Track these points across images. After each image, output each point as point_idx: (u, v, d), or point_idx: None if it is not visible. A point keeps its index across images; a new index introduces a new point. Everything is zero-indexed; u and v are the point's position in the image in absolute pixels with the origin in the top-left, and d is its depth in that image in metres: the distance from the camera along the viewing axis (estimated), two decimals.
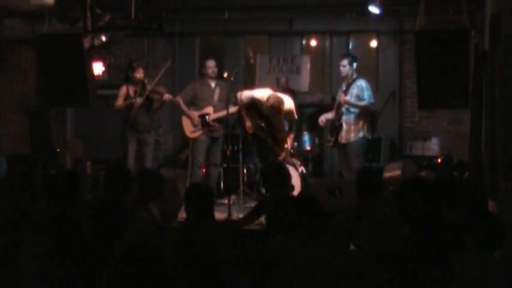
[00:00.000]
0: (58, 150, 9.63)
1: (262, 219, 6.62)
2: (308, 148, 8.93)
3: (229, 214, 7.00)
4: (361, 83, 7.40)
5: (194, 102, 7.99)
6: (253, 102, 7.53)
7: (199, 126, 7.93)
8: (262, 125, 7.55)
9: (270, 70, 10.24)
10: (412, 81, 9.10)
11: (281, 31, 10.39)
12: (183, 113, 8.02)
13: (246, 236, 5.13)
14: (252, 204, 8.07)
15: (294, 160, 8.37)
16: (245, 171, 8.84)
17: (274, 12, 9.72)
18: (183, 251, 4.04)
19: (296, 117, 7.63)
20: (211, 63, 8.04)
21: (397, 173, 7.66)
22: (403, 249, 3.75)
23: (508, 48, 5.05)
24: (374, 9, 8.12)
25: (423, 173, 7.92)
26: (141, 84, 7.74)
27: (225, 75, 8.06)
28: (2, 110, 9.76)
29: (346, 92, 7.36)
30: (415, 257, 3.60)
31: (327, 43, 10.57)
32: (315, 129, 9.23)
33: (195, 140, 8.04)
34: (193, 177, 7.96)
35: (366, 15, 8.73)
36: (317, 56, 10.60)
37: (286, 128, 7.64)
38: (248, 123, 7.60)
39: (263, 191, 7.14)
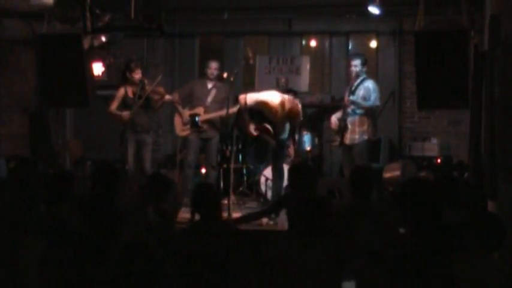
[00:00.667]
0: (57, 150, 9.65)
1: (265, 220, 6.68)
2: (308, 148, 8.93)
3: (229, 214, 7.01)
4: (369, 84, 7.35)
5: (190, 101, 8.01)
6: (260, 105, 7.26)
7: (188, 126, 7.94)
8: (268, 127, 7.28)
9: (270, 70, 10.24)
10: (411, 81, 9.10)
11: (281, 31, 10.39)
12: (176, 110, 8.04)
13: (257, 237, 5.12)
14: (252, 204, 8.12)
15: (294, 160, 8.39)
16: (245, 171, 8.85)
17: (273, 12, 9.72)
18: (191, 252, 4.02)
19: (301, 119, 7.56)
20: (213, 65, 8.02)
21: (397, 173, 7.66)
22: (400, 249, 3.75)
23: (507, 49, 5.05)
24: (374, 10, 8.13)
25: (423, 174, 7.92)
26: (141, 85, 7.75)
27: (225, 75, 8.05)
28: (2, 110, 9.76)
29: (353, 93, 7.32)
30: (414, 258, 3.60)
31: (327, 43, 10.57)
32: (314, 129, 9.23)
33: (185, 139, 8.08)
34: (184, 177, 7.96)
35: (365, 15, 8.73)
36: (317, 56, 10.60)
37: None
38: (252, 126, 7.35)
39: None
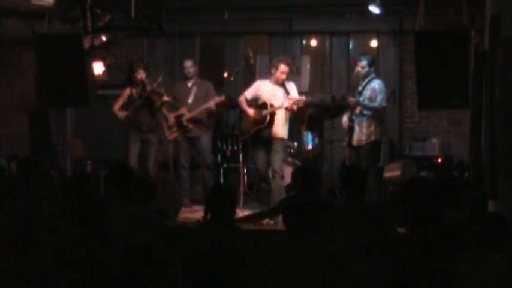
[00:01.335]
0: (58, 150, 9.64)
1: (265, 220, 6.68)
2: (308, 148, 8.92)
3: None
4: (375, 84, 7.23)
5: (173, 104, 8.04)
6: (255, 94, 7.45)
7: (176, 128, 7.96)
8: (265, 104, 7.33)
9: (270, 70, 10.22)
10: (412, 81, 9.10)
11: (281, 31, 10.38)
12: (162, 114, 8.09)
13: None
14: (253, 203, 8.12)
15: (294, 160, 8.40)
16: (245, 171, 8.85)
17: (274, 12, 9.72)
18: (201, 253, 4.02)
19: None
20: (187, 63, 8.07)
21: (397, 173, 7.66)
22: (399, 249, 3.75)
23: (508, 48, 5.06)
24: (374, 9, 8.12)
25: (423, 173, 7.91)
26: (141, 85, 7.77)
27: (225, 75, 8.05)
28: (2, 110, 9.77)
29: (360, 93, 7.26)
30: (415, 258, 3.60)
31: (327, 43, 10.57)
32: (315, 128, 9.22)
33: (175, 141, 8.13)
34: (180, 179, 7.99)
35: (365, 15, 8.73)
36: (317, 56, 10.59)
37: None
38: (250, 110, 7.42)
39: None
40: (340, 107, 8.08)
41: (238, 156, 8.39)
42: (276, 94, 7.34)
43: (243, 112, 7.62)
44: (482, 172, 6.14)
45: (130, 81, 7.97)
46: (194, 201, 8.10)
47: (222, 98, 7.89)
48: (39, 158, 7.64)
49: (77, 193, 4.55)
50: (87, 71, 7.04)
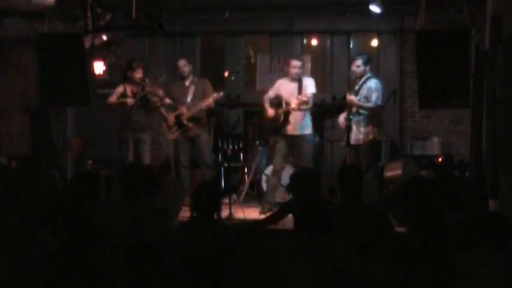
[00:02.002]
0: (58, 149, 9.65)
1: None
2: None
3: (230, 213, 7.02)
4: (371, 83, 7.21)
5: (172, 104, 8.04)
6: (277, 92, 7.75)
7: (176, 128, 7.96)
8: (282, 103, 7.64)
9: (271, 69, 10.23)
10: (412, 80, 9.08)
11: (282, 31, 10.38)
12: (162, 116, 8.08)
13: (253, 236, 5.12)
14: (253, 203, 8.13)
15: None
16: (246, 170, 8.86)
17: (274, 11, 9.72)
18: (187, 250, 4.03)
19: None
20: (181, 63, 8.09)
21: (398, 172, 7.64)
22: (399, 248, 3.75)
23: (508, 48, 5.06)
24: (375, 9, 8.12)
25: (424, 173, 7.90)
26: (141, 85, 7.77)
27: (226, 74, 8.05)
28: (3, 109, 9.78)
29: (357, 92, 7.26)
30: (415, 257, 3.60)
31: (328, 43, 10.56)
32: (315, 128, 9.22)
33: (175, 141, 8.12)
34: (181, 179, 7.99)
35: (366, 14, 8.73)
36: (318, 55, 10.59)
37: None
38: (270, 110, 7.71)
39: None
40: (341, 106, 8.05)
41: (239, 156, 8.39)
42: (293, 92, 7.59)
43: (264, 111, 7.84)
44: (483, 171, 6.14)
45: (126, 79, 7.93)
46: None
47: (221, 94, 7.90)
48: (39, 156, 7.66)
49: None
50: (87, 70, 7.04)
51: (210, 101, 7.78)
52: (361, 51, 9.89)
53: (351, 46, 10.38)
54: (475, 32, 7.16)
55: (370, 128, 7.18)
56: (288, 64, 7.76)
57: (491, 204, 5.61)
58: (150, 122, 8.16)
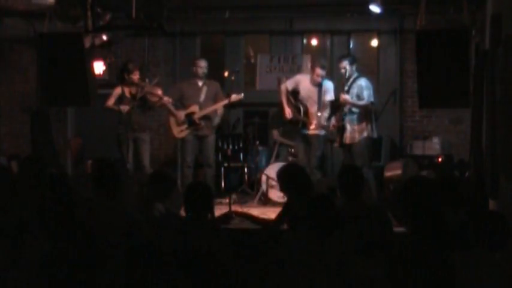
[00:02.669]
0: (58, 149, 9.65)
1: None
2: None
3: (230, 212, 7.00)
4: (361, 82, 7.38)
5: (181, 102, 8.03)
6: (296, 87, 7.95)
7: (186, 126, 7.95)
8: (300, 106, 7.88)
9: (271, 69, 10.23)
10: (412, 80, 9.09)
11: (282, 30, 10.37)
12: (169, 113, 8.05)
13: (243, 235, 5.12)
14: (253, 203, 8.13)
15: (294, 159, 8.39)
16: (246, 170, 8.86)
17: (274, 11, 9.72)
18: (180, 250, 4.02)
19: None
20: (202, 63, 8.10)
21: (398, 172, 7.66)
22: (399, 248, 3.74)
23: (508, 48, 5.05)
24: (375, 9, 8.13)
25: (424, 173, 7.91)
26: (139, 86, 7.78)
27: (226, 74, 8.05)
28: (3, 109, 9.78)
29: (347, 92, 7.35)
30: (415, 257, 3.59)
31: (328, 42, 10.56)
32: None
33: (182, 140, 8.09)
34: (184, 178, 7.99)
35: (366, 14, 8.74)
36: (318, 55, 10.59)
37: None
38: (288, 109, 7.88)
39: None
40: (340, 105, 8.06)
41: (239, 156, 8.39)
42: (312, 96, 7.83)
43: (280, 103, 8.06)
44: (483, 171, 6.14)
45: (123, 80, 7.95)
46: None
47: (241, 95, 7.96)
48: (40, 157, 7.64)
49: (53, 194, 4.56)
50: (87, 70, 7.04)
51: (230, 101, 7.84)
52: (361, 51, 9.92)
53: (351, 46, 10.38)
54: (475, 32, 7.16)
55: (363, 125, 7.32)
56: (313, 69, 7.92)
57: (491, 204, 5.61)
58: (148, 122, 8.16)
